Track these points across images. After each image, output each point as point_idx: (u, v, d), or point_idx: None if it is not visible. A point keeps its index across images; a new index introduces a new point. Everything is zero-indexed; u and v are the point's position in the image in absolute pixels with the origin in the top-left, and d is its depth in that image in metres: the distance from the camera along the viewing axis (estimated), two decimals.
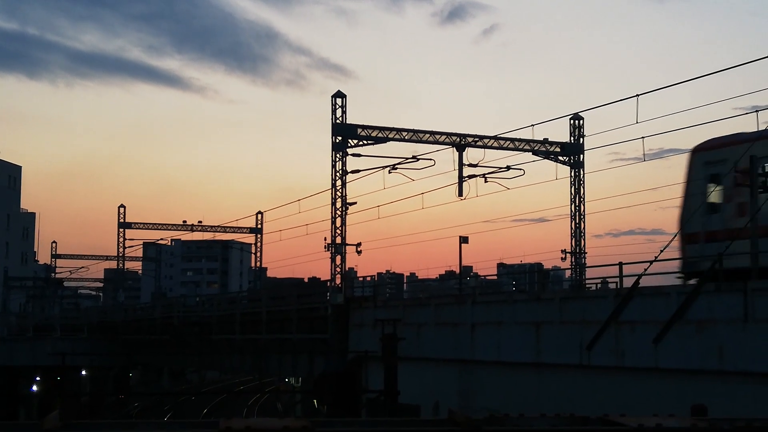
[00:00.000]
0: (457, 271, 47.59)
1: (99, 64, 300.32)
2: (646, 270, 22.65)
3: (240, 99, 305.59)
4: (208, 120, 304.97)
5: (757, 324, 19.60)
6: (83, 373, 65.78)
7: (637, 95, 27.96)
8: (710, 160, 25.76)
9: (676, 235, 24.32)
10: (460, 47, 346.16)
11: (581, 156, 44.86)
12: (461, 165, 41.29)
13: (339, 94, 39.95)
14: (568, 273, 46.54)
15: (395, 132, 40.71)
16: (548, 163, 44.21)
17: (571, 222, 45.34)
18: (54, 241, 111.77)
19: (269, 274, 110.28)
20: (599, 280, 34.16)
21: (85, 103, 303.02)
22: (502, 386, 27.35)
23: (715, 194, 24.92)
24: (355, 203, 41.36)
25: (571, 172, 44.80)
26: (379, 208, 44.68)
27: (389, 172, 40.52)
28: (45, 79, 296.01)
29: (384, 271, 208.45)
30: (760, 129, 25.62)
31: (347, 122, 40.04)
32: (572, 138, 44.59)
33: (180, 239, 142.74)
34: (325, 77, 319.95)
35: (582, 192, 45.15)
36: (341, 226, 40.41)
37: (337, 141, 39.95)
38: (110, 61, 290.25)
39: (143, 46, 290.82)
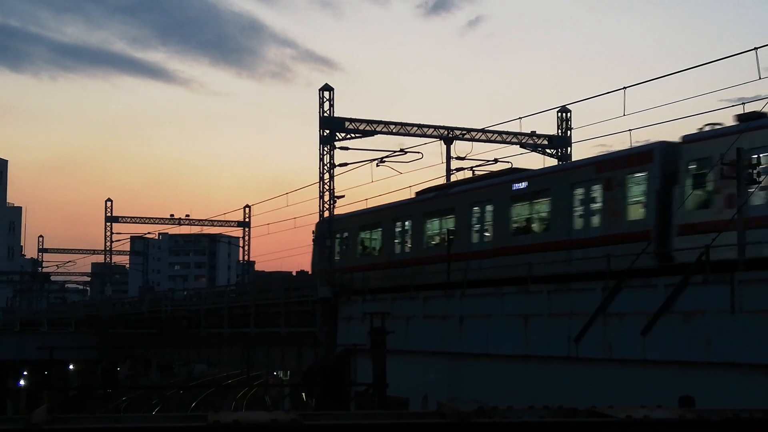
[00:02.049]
0: None
1: (83, 57, 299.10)
2: (633, 263, 22.76)
3: (225, 91, 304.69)
4: (193, 113, 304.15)
5: (744, 315, 19.69)
6: (71, 367, 65.60)
7: (624, 88, 28.17)
8: (320, 228, 40.27)
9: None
10: (445, 39, 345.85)
11: (569, 149, 44.91)
12: (449, 158, 41.34)
13: (326, 88, 39.85)
14: None
15: (383, 125, 40.67)
16: (536, 156, 44.33)
17: None
18: (41, 236, 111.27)
19: (257, 267, 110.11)
20: None
21: (69, 96, 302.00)
22: (491, 379, 27.41)
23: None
24: (343, 196, 41.43)
25: None
26: (367, 201, 44.76)
27: (377, 165, 40.57)
28: (28, 71, 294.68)
29: None
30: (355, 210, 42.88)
31: (335, 115, 40.00)
32: (560, 131, 44.65)
33: (167, 233, 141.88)
34: (311, 69, 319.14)
35: None
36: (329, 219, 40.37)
37: (325, 134, 39.88)
38: (94, 54, 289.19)
39: (127, 39, 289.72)
